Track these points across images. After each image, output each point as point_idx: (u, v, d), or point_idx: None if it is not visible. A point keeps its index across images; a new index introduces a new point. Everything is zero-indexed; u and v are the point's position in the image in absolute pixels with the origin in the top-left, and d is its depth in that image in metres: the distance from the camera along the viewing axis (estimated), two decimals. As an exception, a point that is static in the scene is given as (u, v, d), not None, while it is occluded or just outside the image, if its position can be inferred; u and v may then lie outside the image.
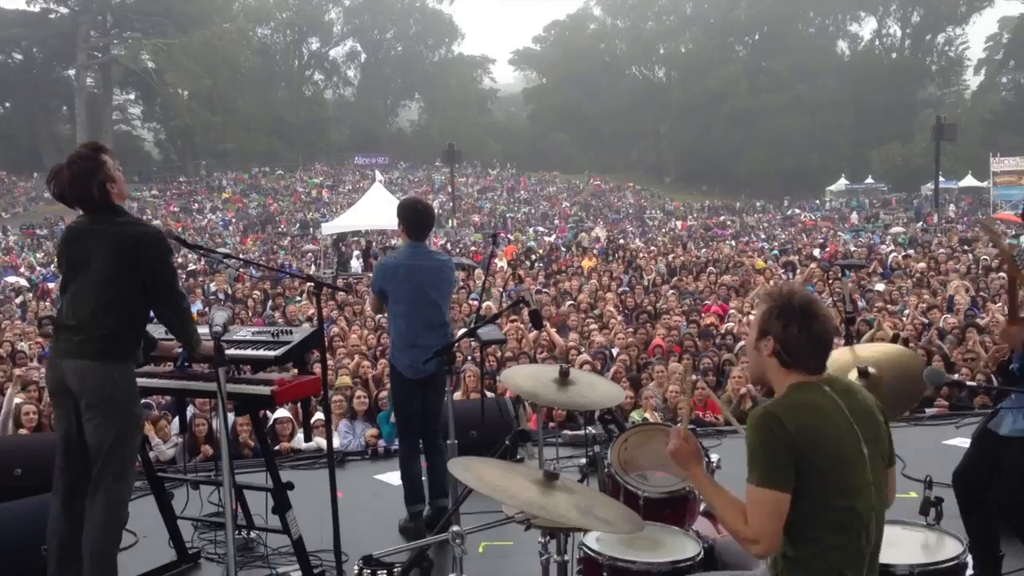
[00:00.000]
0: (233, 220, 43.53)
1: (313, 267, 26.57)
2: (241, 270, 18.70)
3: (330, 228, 29.64)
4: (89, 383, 3.75)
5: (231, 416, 6.81)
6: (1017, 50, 63.25)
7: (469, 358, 9.51)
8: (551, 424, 7.81)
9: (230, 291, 16.98)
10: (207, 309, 14.52)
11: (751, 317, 12.15)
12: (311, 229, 38.52)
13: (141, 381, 4.24)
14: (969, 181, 50.25)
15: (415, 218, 5.38)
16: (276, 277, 17.74)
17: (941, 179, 43.18)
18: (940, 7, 68.71)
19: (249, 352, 4.47)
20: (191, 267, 22.04)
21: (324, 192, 52.60)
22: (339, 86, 77.74)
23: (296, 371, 4.73)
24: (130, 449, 3.86)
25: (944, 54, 71.40)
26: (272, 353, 4.41)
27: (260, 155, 60.87)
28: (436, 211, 46.52)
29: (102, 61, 60.69)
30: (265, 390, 4.19)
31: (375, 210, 27.34)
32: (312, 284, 5.20)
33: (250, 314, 14.28)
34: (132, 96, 66.87)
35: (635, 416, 8.04)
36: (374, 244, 28.89)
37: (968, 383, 5.19)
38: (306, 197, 51.33)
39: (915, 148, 56.43)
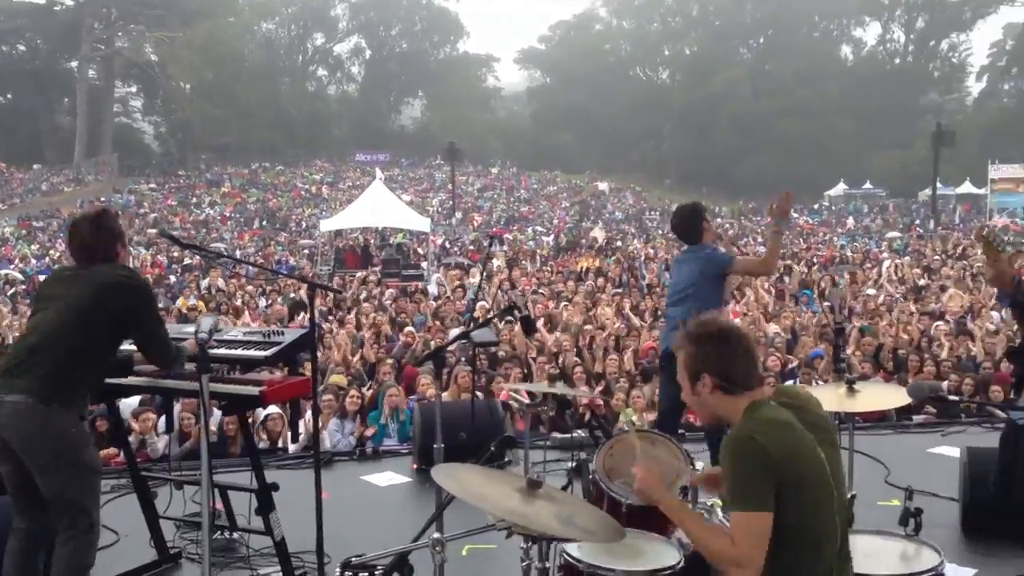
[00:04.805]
0: (232, 215, 43.44)
1: (310, 264, 26.53)
2: (236, 269, 18.74)
3: (328, 225, 29.61)
4: (29, 430, 3.51)
5: (218, 414, 6.86)
6: (1021, 57, 63.28)
7: (463, 359, 9.51)
8: (540, 427, 7.81)
9: (224, 286, 17.00)
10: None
11: (746, 316, 12.19)
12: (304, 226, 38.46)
13: (129, 380, 4.27)
14: (967, 188, 50.29)
15: None
16: (264, 277, 17.78)
17: (939, 185, 43.23)
18: (945, 13, 68.79)
19: (239, 352, 4.48)
20: (187, 261, 22.02)
21: (324, 189, 52.55)
22: (342, 82, 77.67)
23: (287, 371, 4.74)
24: (92, 497, 3.71)
25: (947, 60, 71.51)
26: (262, 353, 4.42)
27: (261, 150, 60.75)
28: (436, 209, 46.20)
29: (105, 53, 60.63)
30: (254, 390, 4.20)
31: (374, 208, 27.30)
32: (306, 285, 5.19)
33: (245, 309, 14.29)
34: (133, 89, 66.86)
35: (623, 416, 8.05)
36: (372, 242, 28.89)
37: (951, 397, 5.20)
38: (306, 193, 51.29)
39: (915, 154, 56.45)
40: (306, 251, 29.93)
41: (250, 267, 17.73)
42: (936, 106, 67.52)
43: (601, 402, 8.45)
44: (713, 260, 5.70)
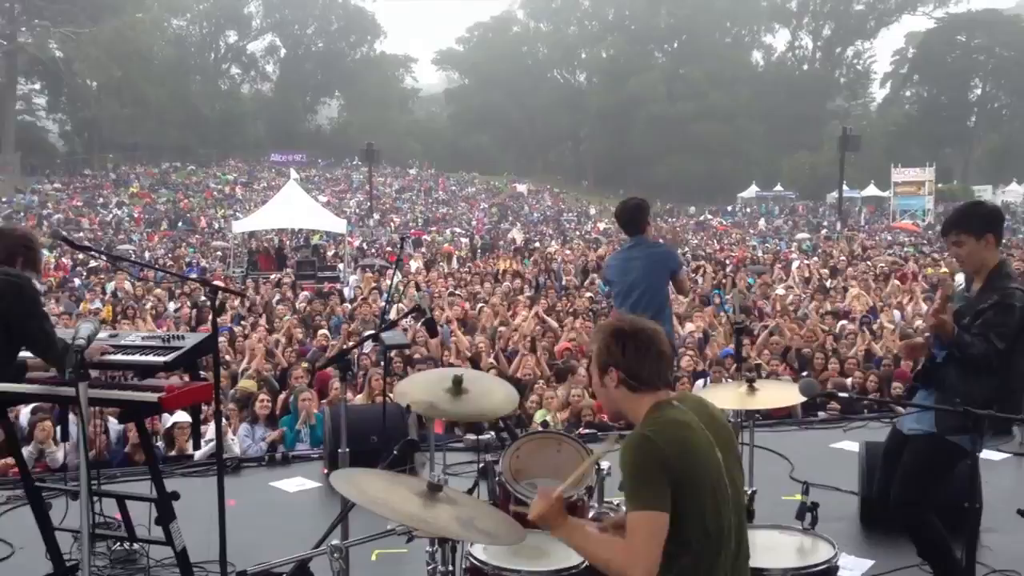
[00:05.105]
0: (141, 216, 42.25)
1: (222, 266, 25.97)
2: (144, 270, 18.25)
3: (241, 226, 29.05)
4: None
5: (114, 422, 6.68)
6: (922, 64, 65.90)
7: (382, 361, 9.42)
8: (456, 429, 7.79)
9: (132, 289, 16.52)
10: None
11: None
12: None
13: (23, 387, 4.14)
14: (872, 190, 52.17)
15: None
16: (173, 280, 17.32)
17: (845, 188, 44.72)
18: (850, 21, 71.24)
19: (136, 358, 4.36)
20: (92, 264, 21.32)
21: (238, 189, 51.53)
22: (257, 81, 76.40)
23: (188, 377, 4.63)
24: None
25: (852, 67, 74.06)
26: (161, 359, 4.32)
27: (171, 150, 59.32)
28: (353, 210, 45.54)
29: (7, 49, 58.19)
30: (152, 397, 4.08)
31: (288, 209, 26.87)
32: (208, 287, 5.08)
33: (153, 313, 13.92)
34: (37, 86, 64.44)
35: (538, 417, 8.11)
36: (287, 244, 28.46)
37: (841, 394, 5.38)
38: (218, 194, 50.22)
39: (822, 157, 58.29)
40: (218, 253, 29.29)
41: (153, 269, 17.26)
42: (842, 111, 69.83)
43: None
44: (664, 259, 6.05)
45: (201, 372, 4.79)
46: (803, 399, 3.80)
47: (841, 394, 5.51)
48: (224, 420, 7.17)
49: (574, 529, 2.72)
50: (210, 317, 4.59)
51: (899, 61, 69.70)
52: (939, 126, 62.29)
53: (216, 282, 16.73)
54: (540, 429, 6.65)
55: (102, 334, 4.46)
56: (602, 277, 6.63)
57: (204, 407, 5.88)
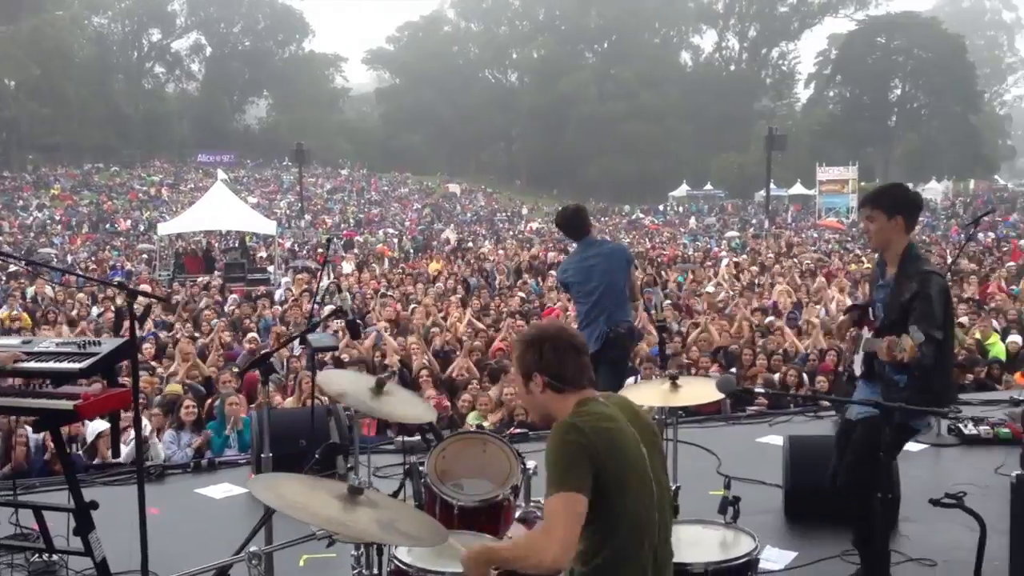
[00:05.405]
0: (63, 218, 41.08)
1: (148, 269, 25.37)
2: (67, 274, 17.75)
3: (167, 228, 28.42)
4: None
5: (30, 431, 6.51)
6: (844, 65, 67.57)
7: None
8: (388, 430, 7.74)
9: (53, 294, 16.04)
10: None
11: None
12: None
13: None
14: (798, 189, 53.33)
15: None
16: (96, 284, 16.87)
17: (772, 187, 45.65)
18: (774, 23, 72.74)
19: (51, 365, 4.24)
20: (11, 268, 20.65)
21: (164, 191, 50.43)
22: (182, 80, 74.96)
23: (106, 383, 4.52)
24: None
25: (778, 68, 75.66)
26: (76, 365, 4.20)
27: (94, 150, 57.82)
28: (284, 211, 44.79)
29: (-82, 46, 56.18)
30: (67, 405, 3.98)
31: (216, 210, 26.37)
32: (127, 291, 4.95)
33: (77, 317, 13.54)
34: (-49, 85, 62.30)
35: (471, 419, 8.11)
36: (216, 246, 27.94)
37: (757, 390, 5.50)
38: (144, 195, 49.08)
39: (750, 157, 59.40)
40: (144, 256, 28.61)
41: (73, 275, 16.82)
42: (768, 111, 71.22)
43: (448, 404, 8.47)
44: (620, 253, 6.29)
45: (120, 378, 4.70)
46: (720, 396, 3.86)
47: (758, 390, 5.64)
48: (147, 425, 7.03)
49: (491, 555, 2.72)
50: (130, 322, 4.46)
51: (822, 62, 71.39)
52: (861, 126, 63.95)
53: (143, 286, 16.43)
54: (471, 429, 6.64)
55: (14, 340, 4.34)
56: (559, 280, 6.77)
57: (124, 414, 5.74)
